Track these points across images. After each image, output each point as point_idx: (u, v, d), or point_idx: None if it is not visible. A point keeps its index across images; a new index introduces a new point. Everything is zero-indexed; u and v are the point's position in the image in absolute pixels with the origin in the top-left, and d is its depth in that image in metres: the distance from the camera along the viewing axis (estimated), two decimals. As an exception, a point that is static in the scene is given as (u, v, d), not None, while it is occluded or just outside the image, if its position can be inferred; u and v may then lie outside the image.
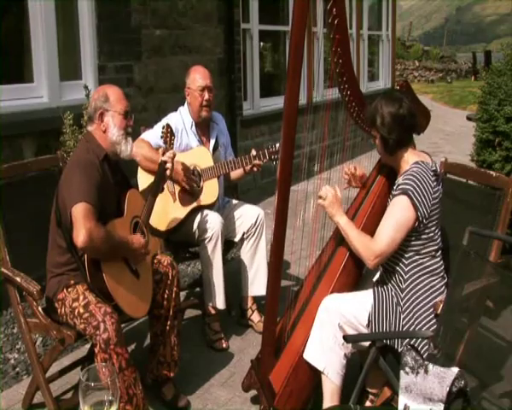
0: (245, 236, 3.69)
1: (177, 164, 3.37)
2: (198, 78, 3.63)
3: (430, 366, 2.05)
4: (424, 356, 2.34)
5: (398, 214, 2.50)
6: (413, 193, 2.47)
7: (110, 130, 2.73)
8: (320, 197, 2.69)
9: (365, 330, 2.54)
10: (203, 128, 3.73)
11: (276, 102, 7.29)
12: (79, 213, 2.45)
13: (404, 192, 2.48)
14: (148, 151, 3.49)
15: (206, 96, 3.61)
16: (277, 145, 3.49)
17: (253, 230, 3.67)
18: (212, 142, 3.75)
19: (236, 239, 3.74)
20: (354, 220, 2.74)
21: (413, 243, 2.55)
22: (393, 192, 2.58)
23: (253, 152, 3.56)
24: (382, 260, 2.55)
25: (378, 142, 2.62)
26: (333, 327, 2.52)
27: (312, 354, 2.55)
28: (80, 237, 2.41)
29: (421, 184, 2.49)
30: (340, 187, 2.82)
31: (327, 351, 2.52)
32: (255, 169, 3.59)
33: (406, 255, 2.57)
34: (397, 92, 2.74)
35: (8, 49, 4.22)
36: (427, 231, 2.54)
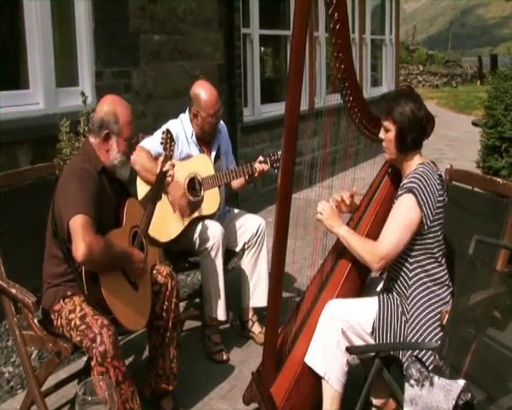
0: (246, 246, 3.69)
1: (176, 184, 3.36)
2: (210, 105, 3.53)
3: (435, 379, 2.05)
4: (429, 368, 2.34)
5: (404, 214, 2.51)
6: (418, 191, 2.48)
7: (113, 153, 2.70)
8: (317, 213, 2.71)
9: (369, 338, 2.55)
10: (205, 138, 3.71)
11: (278, 109, 7.29)
12: (78, 225, 2.44)
13: (410, 190, 2.50)
14: (147, 161, 3.49)
15: (215, 120, 3.60)
16: (279, 153, 3.49)
17: (254, 240, 3.67)
18: (214, 152, 3.74)
19: (237, 249, 3.74)
20: (357, 229, 2.75)
21: (417, 247, 2.56)
22: (398, 193, 2.59)
23: (261, 158, 3.56)
24: (388, 262, 2.56)
25: (391, 136, 2.61)
26: (336, 332, 2.53)
27: (313, 359, 2.56)
28: (80, 251, 2.40)
29: (427, 183, 2.50)
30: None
31: (328, 356, 2.53)
32: (257, 175, 3.56)
33: (411, 260, 2.58)
34: (414, 93, 2.76)
35: (3, 54, 4.23)
36: (431, 235, 2.54)
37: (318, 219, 2.72)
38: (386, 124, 2.62)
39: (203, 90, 3.59)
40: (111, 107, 2.69)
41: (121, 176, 2.79)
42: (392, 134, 2.61)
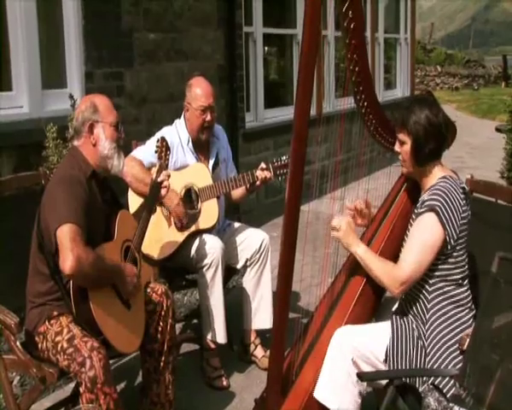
0: (248, 262, 3.70)
1: (171, 192, 3.38)
2: (200, 96, 3.60)
3: (456, 409, 2.05)
4: (449, 397, 2.34)
5: (425, 235, 2.52)
6: (441, 209, 2.48)
7: (101, 143, 2.76)
8: (333, 228, 2.71)
9: (382, 366, 2.54)
10: (202, 145, 3.74)
11: (282, 114, 7.31)
12: (66, 235, 2.46)
13: (431, 209, 2.50)
14: (139, 172, 3.51)
15: (208, 117, 3.61)
16: (283, 158, 3.51)
17: (257, 256, 3.68)
18: (212, 160, 3.77)
19: (239, 266, 3.75)
20: (371, 244, 2.76)
21: (439, 267, 2.56)
22: (417, 210, 2.59)
23: (263, 165, 3.58)
24: (408, 287, 2.56)
25: (407, 149, 2.61)
26: (346, 362, 2.53)
27: (323, 393, 2.55)
28: (68, 262, 2.41)
29: (450, 200, 2.51)
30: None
31: (339, 389, 2.52)
32: (258, 183, 3.58)
33: (430, 282, 2.58)
34: (431, 97, 2.76)
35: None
36: (454, 254, 2.55)
37: (335, 236, 2.72)
38: (401, 136, 2.63)
39: (196, 81, 3.70)
40: (87, 102, 2.82)
41: (115, 168, 2.81)
42: (407, 147, 2.61)
